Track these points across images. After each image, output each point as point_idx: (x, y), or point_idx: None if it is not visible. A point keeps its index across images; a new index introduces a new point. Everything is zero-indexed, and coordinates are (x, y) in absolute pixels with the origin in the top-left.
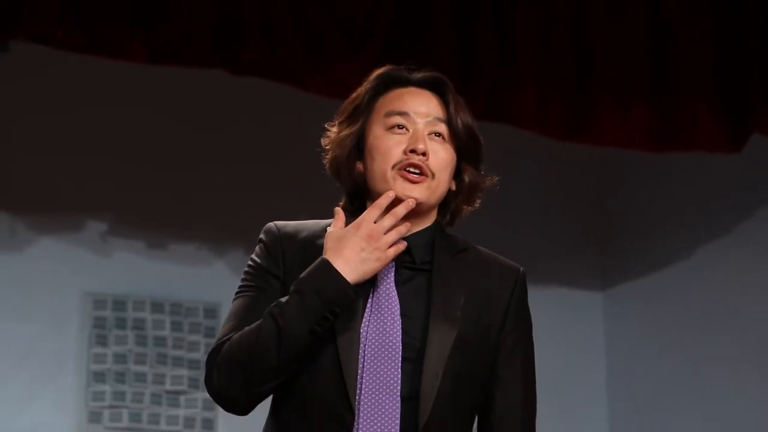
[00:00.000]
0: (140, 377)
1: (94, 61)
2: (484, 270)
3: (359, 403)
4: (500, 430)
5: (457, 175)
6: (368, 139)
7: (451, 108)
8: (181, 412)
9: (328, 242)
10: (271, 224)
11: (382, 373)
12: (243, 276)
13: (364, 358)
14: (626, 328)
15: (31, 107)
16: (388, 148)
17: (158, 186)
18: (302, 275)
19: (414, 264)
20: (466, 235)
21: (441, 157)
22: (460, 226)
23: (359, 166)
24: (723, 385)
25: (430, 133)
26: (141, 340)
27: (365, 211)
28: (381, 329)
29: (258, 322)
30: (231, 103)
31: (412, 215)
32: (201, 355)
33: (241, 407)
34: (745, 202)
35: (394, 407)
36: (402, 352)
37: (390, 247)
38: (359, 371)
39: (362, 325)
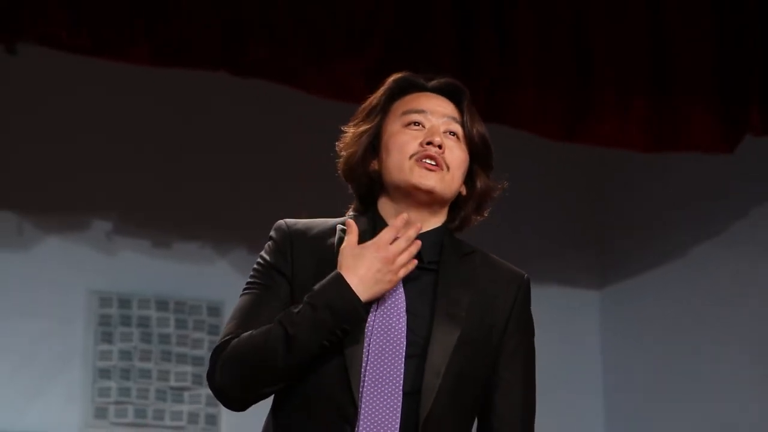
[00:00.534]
0: (145, 374)
1: (100, 62)
2: (490, 273)
3: (362, 397)
4: (499, 429)
5: (468, 180)
6: (384, 136)
7: (466, 113)
8: (185, 408)
9: (344, 258)
10: (281, 222)
11: (385, 367)
12: (251, 272)
13: (368, 353)
14: (622, 326)
15: (38, 108)
16: (405, 141)
17: (163, 186)
18: (316, 288)
19: (422, 263)
20: (466, 233)
21: (456, 154)
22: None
23: (374, 163)
24: (719, 383)
25: (445, 131)
26: (146, 338)
27: (382, 232)
28: (386, 325)
29: (267, 327)
30: (236, 104)
31: (424, 210)
32: (204, 352)
33: (240, 405)
34: (740, 202)
35: (395, 402)
36: (406, 349)
37: (401, 268)
38: (363, 365)
39: (368, 320)
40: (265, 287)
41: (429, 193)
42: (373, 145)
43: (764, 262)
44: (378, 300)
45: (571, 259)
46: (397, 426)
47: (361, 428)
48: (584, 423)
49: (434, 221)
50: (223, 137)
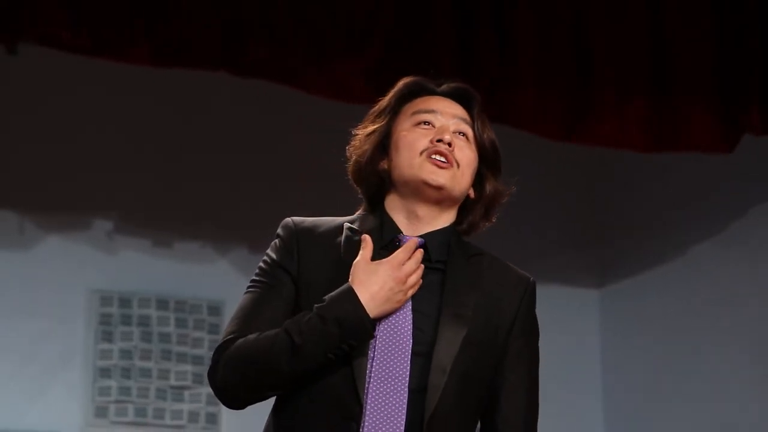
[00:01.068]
0: (145, 373)
1: (101, 62)
2: (497, 276)
3: (367, 394)
4: (503, 430)
5: (477, 183)
6: (394, 136)
7: (477, 118)
8: (186, 407)
9: (358, 272)
10: (288, 219)
11: (391, 365)
12: (257, 270)
13: (374, 351)
14: (622, 325)
15: (39, 108)
16: (415, 138)
17: (164, 186)
18: (327, 299)
19: (429, 262)
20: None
21: (465, 153)
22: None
23: (383, 163)
24: (719, 383)
25: (455, 131)
26: (146, 337)
27: (397, 252)
28: (393, 323)
29: (275, 332)
30: (236, 104)
31: (433, 207)
32: (205, 351)
33: (240, 404)
34: (740, 202)
35: (401, 399)
36: (412, 347)
37: (410, 288)
38: (369, 363)
39: None
40: (269, 286)
41: (439, 189)
42: (383, 145)
43: (764, 262)
44: None
45: (571, 259)
46: (403, 423)
47: (366, 426)
48: (584, 422)
49: (442, 220)
50: (223, 137)
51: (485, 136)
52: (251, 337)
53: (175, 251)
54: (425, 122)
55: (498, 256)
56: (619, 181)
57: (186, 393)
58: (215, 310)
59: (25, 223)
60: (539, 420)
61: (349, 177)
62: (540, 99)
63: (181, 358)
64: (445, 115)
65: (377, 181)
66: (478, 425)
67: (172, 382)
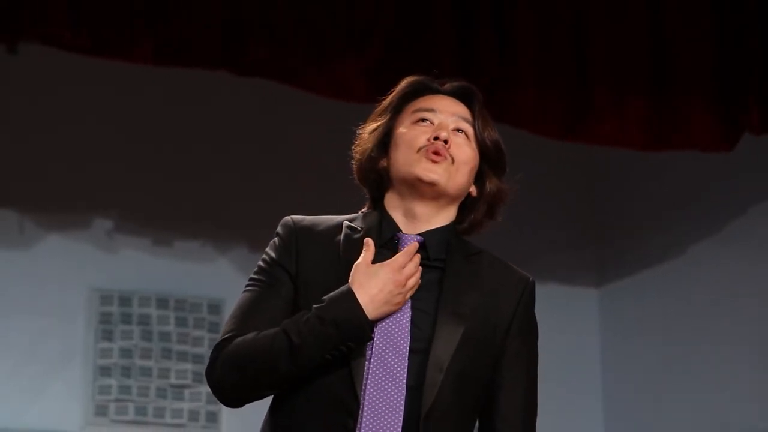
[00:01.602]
0: (145, 371)
1: (101, 61)
2: (496, 275)
3: (365, 391)
4: (502, 429)
5: (479, 182)
6: (394, 134)
7: (478, 116)
8: (186, 406)
9: (358, 274)
10: (287, 218)
11: (389, 362)
12: (256, 268)
13: (372, 348)
14: (621, 324)
15: (39, 107)
16: (413, 136)
17: (163, 185)
18: (326, 300)
19: (428, 260)
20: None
21: (463, 150)
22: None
23: (383, 161)
24: (718, 381)
25: (454, 129)
26: (146, 336)
27: (398, 255)
28: (391, 320)
29: (273, 331)
30: (237, 103)
31: (430, 204)
32: (205, 350)
33: (237, 403)
34: (739, 200)
35: (399, 396)
36: (410, 344)
37: (409, 291)
38: (367, 360)
39: None
40: (267, 284)
41: (432, 185)
42: (384, 144)
43: (763, 261)
44: None
45: (570, 258)
46: (401, 420)
47: (364, 422)
48: (583, 421)
49: (441, 218)
50: (224, 136)
51: (486, 134)
52: (250, 336)
53: (175, 250)
54: (424, 119)
55: (497, 255)
56: (619, 180)
57: (186, 392)
58: (215, 308)
59: (25, 222)
60: (539, 419)
61: (354, 177)
62: (540, 99)
63: (182, 356)
64: (445, 113)
65: (377, 179)
66: (477, 425)
67: (173, 380)
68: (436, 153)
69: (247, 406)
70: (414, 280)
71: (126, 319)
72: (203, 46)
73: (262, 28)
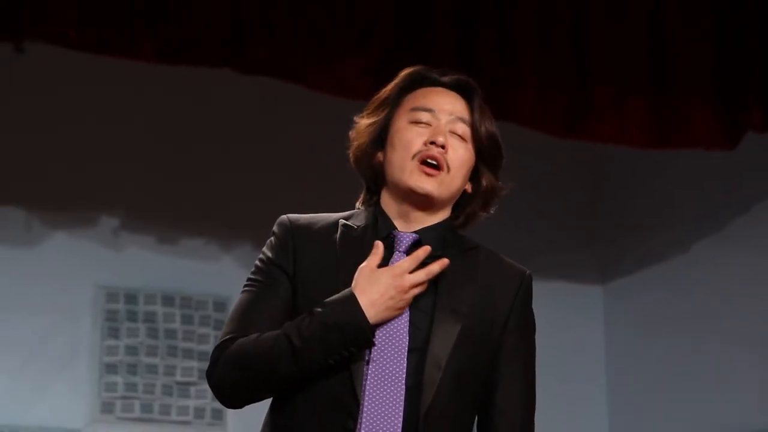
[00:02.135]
0: (151, 369)
1: (104, 61)
2: (492, 269)
3: (365, 392)
4: (500, 427)
5: (474, 178)
6: (391, 130)
7: (476, 112)
8: (192, 403)
9: (361, 277)
10: (283, 217)
11: (388, 362)
12: (253, 268)
13: (371, 348)
14: (625, 321)
15: (44, 105)
16: (410, 139)
17: (169, 183)
18: (328, 303)
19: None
20: (469, 229)
21: (459, 153)
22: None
23: (379, 156)
24: (722, 378)
25: (451, 131)
26: (152, 333)
27: (403, 261)
28: (391, 320)
29: (275, 334)
30: (239, 101)
31: (424, 208)
32: (210, 347)
33: (237, 404)
34: (742, 197)
35: (398, 396)
36: (408, 343)
37: (411, 297)
38: (366, 360)
39: None
40: (265, 285)
41: (426, 197)
42: (381, 137)
43: (766, 258)
44: None
45: (574, 255)
46: (401, 420)
47: (364, 423)
48: (587, 418)
49: (436, 217)
50: (228, 133)
51: (483, 130)
52: (251, 337)
53: (180, 248)
54: (422, 120)
55: (501, 252)
56: (622, 178)
57: (192, 389)
58: (221, 306)
59: (32, 221)
60: (544, 416)
61: (350, 161)
62: (540, 98)
63: (187, 354)
64: (443, 113)
65: (372, 174)
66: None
67: (178, 378)
68: (432, 164)
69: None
70: (417, 290)
71: (132, 316)
72: (206, 44)
73: (264, 26)
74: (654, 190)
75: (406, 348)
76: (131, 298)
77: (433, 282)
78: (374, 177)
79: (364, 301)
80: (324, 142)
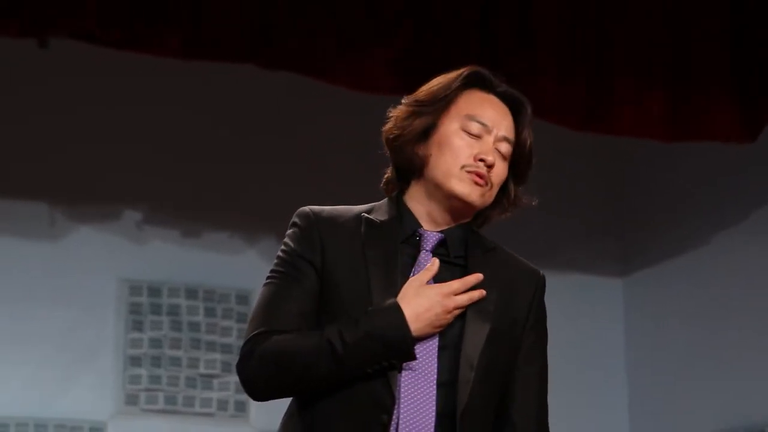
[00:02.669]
0: (175, 361)
1: (129, 55)
2: (511, 270)
3: (400, 386)
4: (519, 421)
5: (502, 188)
6: (440, 129)
7: (523, 134)
8: (215, 395)
9: (410, 291)
10: (306, 209)
11: (420, 359)
12: (276, 261)
13: (412, 360)
14: (645, 313)
15: (68, 101)
16: (460, 147)
17: (192, 176)
18: (373, 313)
19: (448, 257)
20: (492, 223)
21: (500, 171)
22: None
23: (421, 148)
24: (742, 369)
25: (497, 149)
26: (176, 326)
27: (455, 281)
28: None
29: (315, 338)
30: (262, 96)
31: (456, 213)
32: (233, 340)
33: (267, 398)
34: (762, 188)
35: (430, 393)
36: (439, 341)
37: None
38: None
39: None
40: (292, 278)
41: (468, 204)
42: (426, 132)
43: None
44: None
45: (594, 248)
46: (434, 416)
47: (401, 418)
48: (608, 409)
49: (460, 220)
50: (251, 126)
51: (524, 153)
52: (288, 335)
53: (203, 241)
54: (475, 132)
55: (523, 245)
56: (642, 171)
57: (215, 381)
58: (243, 299)
59: (56, 215)
60: (566, 409)
61: (383, 139)
62: (560, 90)
63: (210, 346)
64: (494, 130)
65: (407, 164)
66: None
67: (202, 370)
68: (481, 177)
69: None
70: (456, 312)
71: (156, 309)
72: (230, 40)
73: (288, 22)
74: (673, 184)
75: (437, 346)
76: (155, 291)
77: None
78: (408, 167)
79: (409, 313)
80: (349, 133)
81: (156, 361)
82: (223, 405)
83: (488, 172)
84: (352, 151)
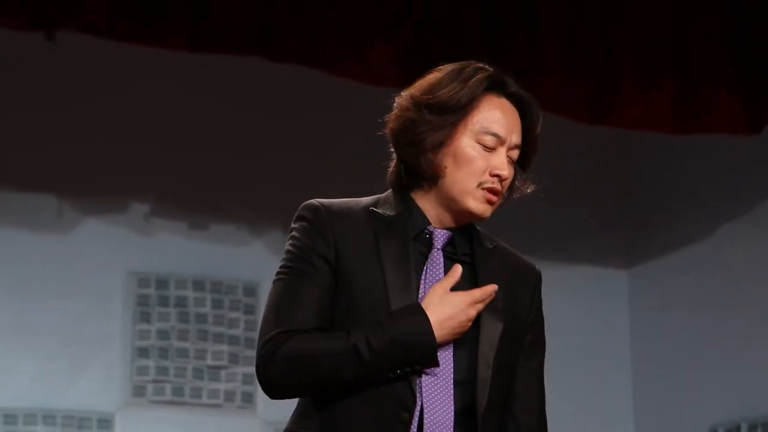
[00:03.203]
0: (182, 353)
1: (136, 48)
2: (512, 266)
3: (420, 385)
4: (521, 417)
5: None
6: (455, 140)
7: (531, 137)
8: (222, 387)
9: (434, 297)
10: (314, 202)
11: (439, 357)
12: (287, 255)
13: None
14: (651, 305)
15: (76, 93)
16: (476, 162)
17: (199, 168)
18: (398, 319)
19: (455, 254)
20: (494, 214)
21: (510, 177)
22: None
23: (434, 156)
24: (747, 361)
25: (509, 156)
26: (183, 317)
27: (476, 290)
28: None
29: (341, 341)
30: (268, 88)
31: (464, 221)
32: (240, 332)
33: (283, 397)
34: (763, 183)
35: (448, 390)
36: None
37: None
38: None
39: None
40: (306, 273)
41: (479, 218)
42: (441, 142)
43: None
44: (425, 291)
45: (600, 239)
46: (452, 414)
47: (426, 415)
48: (613, 401)
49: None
50: (259, 119)
51: (530, 147)
52: (311, 337)
53: (210, 233)
54: (489, 145)
55: (529, 237)
56: (648, 163)
57: (222, 373)
58: (251, 290)
59: (63, 207)
60: (571, 401)
61: (392, 142)
62: (566, 83)
63: (218, 338)
64: (510, 137)
65: (416, 167)
66: None
67: (209, 362)
68: (495, 193)
69: None
70: (470, 322)
71: (163, 301)
72: (235, 33)
73: (293, 15)
74: (679, 176)
75: (452, 344)
76: (162, 283)
77: (469, 280)
78: (418, 173)
79: (434, 320)
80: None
81: (163, 353)
82: (230, 396)
83: (501, 185)
84: (359, 143)
